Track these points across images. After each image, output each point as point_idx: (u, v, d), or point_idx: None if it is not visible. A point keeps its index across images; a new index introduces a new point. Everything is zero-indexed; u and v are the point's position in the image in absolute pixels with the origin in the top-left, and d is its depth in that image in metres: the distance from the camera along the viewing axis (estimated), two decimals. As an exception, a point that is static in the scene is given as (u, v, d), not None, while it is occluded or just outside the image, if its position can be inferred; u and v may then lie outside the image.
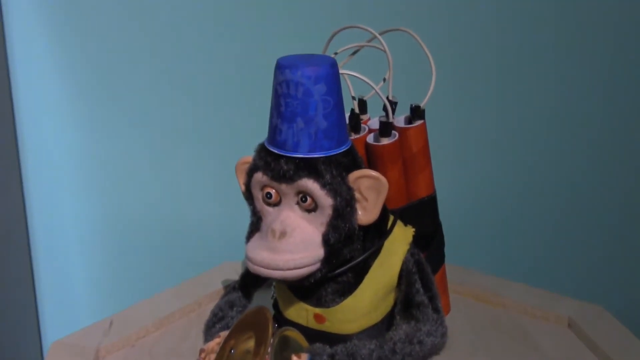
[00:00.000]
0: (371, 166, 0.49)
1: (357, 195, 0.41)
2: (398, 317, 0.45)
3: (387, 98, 0.49)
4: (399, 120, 0.50)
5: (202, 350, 0.43)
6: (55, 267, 0.84)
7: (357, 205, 0.42)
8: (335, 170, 0.40)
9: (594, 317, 0.65)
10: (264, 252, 0.41)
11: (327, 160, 0.40)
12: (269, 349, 0.39)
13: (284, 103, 0.40)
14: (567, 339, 0.64)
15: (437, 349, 0.44)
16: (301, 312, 0.45)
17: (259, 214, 0.43)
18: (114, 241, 0.84)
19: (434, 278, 0.52)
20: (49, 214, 0.81)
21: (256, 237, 0.42)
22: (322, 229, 0.41)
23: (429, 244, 0.52)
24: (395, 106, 0.50)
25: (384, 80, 0.51)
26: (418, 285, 0.45)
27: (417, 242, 0.51)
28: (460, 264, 0.74)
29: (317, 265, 0.41)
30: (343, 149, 0.41)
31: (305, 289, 0.45)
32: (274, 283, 0.48)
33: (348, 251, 0.42)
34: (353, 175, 0.41)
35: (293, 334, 0.43)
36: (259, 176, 0.41)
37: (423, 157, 0.49)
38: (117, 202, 0.83)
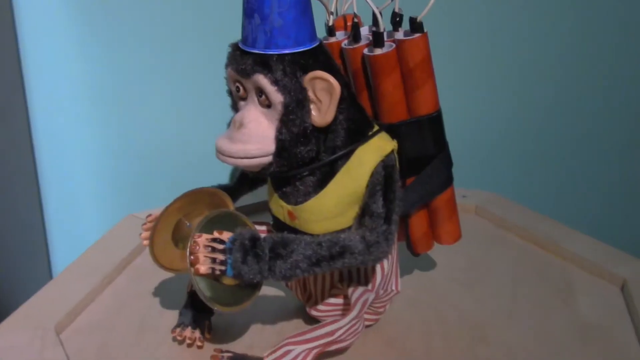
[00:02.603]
0: (367, 78, 0.50)
1: (311, 96, 0.43)
2: (354, 225, 0.46)
3: (394, 10, 0.48)
4: (400, 34, 0.49)
5: (149, 215, 0.48)
6: (62, 188, 0.89)
7: (312, 106, 0.43)
8: (289, 68, 0.42)
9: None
10: (225, 141, 0.44)
11: (280, 57, 0.42)
12: (203, 220, 0.43)
13: (246, -1, 0.43)
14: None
15: (362, 256, 0.43)
16: (279, 209, 0.49)
17: (235, 107, 0.47)
18: (122, 163, 0.88)
19: (418, 200, 0.51)
20: (54, 138, 0.86)
21: (227, 129, 0.46)
22: (276, 124, 0.43)
23: (427, 165, 0.51)
24: (401, 19, 0.49)
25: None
26: (379, 196, 0.45)
27: (413, 163, 0.50)
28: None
29: (269, 159, 0.44)
30: (301, 49, 0.42)
31: (282, 186, 0.48)
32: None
33: (305, 151, 0.44)
34: (308, 76, 0.42)
35: (242, 218, 0.46)
36: (229, 70, 0.45)
37: (421, 72, 0.48)
38: (125, 128, 0.86)
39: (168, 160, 0.89)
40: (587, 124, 0.92)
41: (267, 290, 0.59)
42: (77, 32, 0.82)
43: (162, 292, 0.60)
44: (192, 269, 0.42)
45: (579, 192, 0.96)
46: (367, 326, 0.53)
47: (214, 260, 0.42)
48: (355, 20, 0.49)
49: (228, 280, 0.43)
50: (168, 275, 0.61)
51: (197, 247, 0.42)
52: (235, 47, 0.44)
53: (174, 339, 0.52)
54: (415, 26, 0.47)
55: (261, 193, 0.54)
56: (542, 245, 0.67)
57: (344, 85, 0.44)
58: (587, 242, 0.65)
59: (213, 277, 0.43)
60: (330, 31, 0.51)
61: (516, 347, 0.51)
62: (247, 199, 0.59)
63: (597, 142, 0.94)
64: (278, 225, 0.50)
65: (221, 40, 0.47)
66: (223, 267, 0.42)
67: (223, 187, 0.52)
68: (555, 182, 0.95)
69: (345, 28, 0.53)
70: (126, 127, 0.88)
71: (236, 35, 0.45)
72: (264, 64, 0.42)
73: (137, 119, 0.87)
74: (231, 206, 0.49)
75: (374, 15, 0.46)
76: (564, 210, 0.91)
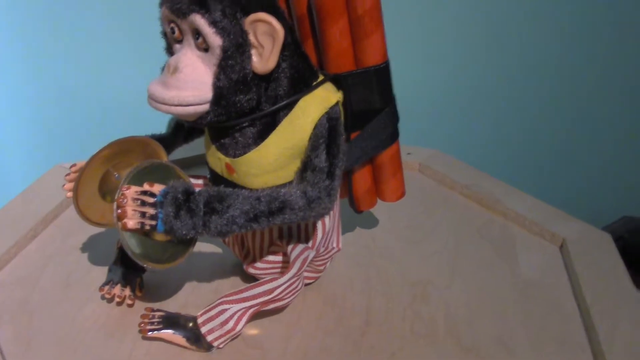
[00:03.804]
0: (312, 24, 0.47)
1: (253, 40, 0.40)
2: (295, 179, 0.44)
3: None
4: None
5: (73, 165, 0.45)
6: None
7: (253, 52, 0.40)
8: (229, 9, 0.39)
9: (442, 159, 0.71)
10: (158, 86, 0.41)
11: None
12: (132, 171, 0.40)
13: None
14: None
15: (303, 212, 0.41)
16: (217, 161, 0.46)
17: (170, 51, 0.43)
18: (53, 110, 0.83)
19: (370, 155, 0.49)
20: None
21: (161, 73, 0.43)
22: (214, 70, 0.40)
23: (372, 119, 0.49)
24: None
25: None
26: (322, 149, 0.42)
27: (359, 116, 0.48)
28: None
29: (205, 107, 0.40)
30: (241, -13, 0.39)
31: (220, 137, 0.45)
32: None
33: (245, 100, 0.41)
34: (249, 18, 0.39)
35: (176, 170, 0.43)
36: (163, 9, 0.41)
37: (370, 20, 0.45)
38: (56, 75, 0.81)
39: (102, 107, 0.84)
40: (530, 83, 0.92)
41: (203, 246, 0.56)
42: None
43: (91, 247, 0.57)
44: (120, 224, 0.39)
45: (522, 152, 0.97)
46: (307, 284, 0.52)
47: (143, 214, 0.39)
48: (302, -40, 0.46)
49: (160, 236, 0.41)
50: (98, 229, 0.57)
51: (125, 200, 0.39)
52: None
53: (103, 297, 0.49)
54: (365, -30, 0.44)
55: (199, 145, 0.51)
56: (484, 204, 0.66)
57: (288, 30, 0.41)
58: (529, 202, 0.65)
59: (143, 233, 0.40)
60: (275, -28, 0.48)
61: (456, 305, 0.51)
62: (183, 152, 0.56)
63: (539, 102, 0.94)
64: (215, 179, 0.47)
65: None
66: (153, 222, 0.39)
67: (156, 137, 0.49)
68: (499, 141, 0.96)
69: (291, -30, 0.50)
70: (57, 73, 0.82)
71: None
72: (201, 3, 0.39)
73: (69, 64, 0.82)
74: (164, 157, 0.46)
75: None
76: (507, 169, 0.92)
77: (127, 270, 0.49)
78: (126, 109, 0.83)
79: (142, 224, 0.39)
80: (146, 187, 0.39)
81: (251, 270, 0.49)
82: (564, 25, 0.89)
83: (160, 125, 0.57)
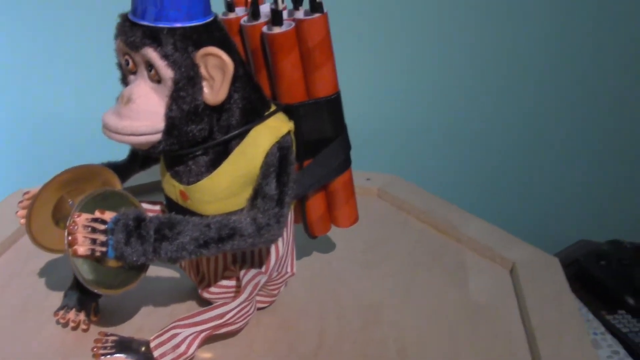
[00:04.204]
0: (266, 57, 0.49)
1: (204, 72, 0.41)
2: (246, 206, 0.45)
3: (294, -12, 0.47)
4: (300, 14, 0.48)
5: (26, 192, 0.46)
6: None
7: (204, 83, 0.42)
8: (181, 43, 0.40)
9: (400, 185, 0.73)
10: (112, 116, 0.42)
11: (171, 31, 0.40)
12: (84, 198, 0.41)
13: (137, -31, 0.40)
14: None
15: (253, 238, 0.43)
16: (171, 188, 0.47)
17: (125, 81, 0.44)
18: (17, 135, 0.84)
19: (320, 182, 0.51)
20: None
21: (116, 103, 0.44)
22: (166, 101, 0.41)
23: (324, 148, 0.50)
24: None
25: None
26: (272, 178, 0.44)
27: (311, 145, 0.50)
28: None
29: (158, 137, 0.42)
30: (193, 23, 0.41)
31: (174, 165, 0.46)
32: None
33: (197, 130, 0.43)
34: (200, 52, 0.41)
35: (129, 198, 0.44)
36: (118, 42, 0.42)
37: (320, 53, 0.47)
38: (20, 100, 0.82)
39: (66, 133, 0.85)
40: (485, 108, 0.94)
41: (160, 271, 0.57)
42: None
43: (49, 272, 0.57)
44: (70, 250, 0.39)
45: (481, 177, 0.99)
46: (261, 308, 0.53)
47: (94, 241, 0.40)
48: (255, -4, 0.48)
49: (111, 262, 0.42)
50: (56, 255, 0.58)
51: (76, 227, 0.40)
52: (124, 17, 0.42)
53: (58, 322, 0.50)
54: (315, 6, 0.46)
55: (157, 171, 0.52)
56: (440, 229, 0.68)
57: (239, 63, 0.43)
58: (482, 226, 0.67)
59: (94, 259, 0.41)
60: (230, 6, 0.50)
61: (408, 327, 0.52)
62: (140, 178, 0.57)
63: (495, 127, 0.96)
64: (170, 205, 0.48)
65: (118, 10, 0.45)
66: (104, 249, 0.40)
67: (112, 165, 0.50)
68: (457, 167, 0.98)
69: (246, 4, 0.51)
70: (22, 98, 0.83)
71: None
72: (153, 37, 0.40)
73: (35, 89, 0.83)
74: (119, 185, 0.47)
75: (273, -8, 0.45)
76: (465, 195, 0.94)
77: (83, 295, 0.50)
78: (90, 135, 0.84)
79: (93, 250, 0.40)
80: (97, 214, 0.40)
81: (206, 295, 0.50)
82: (521, 53, 0.92)
83: (122, 152, 0.58)
